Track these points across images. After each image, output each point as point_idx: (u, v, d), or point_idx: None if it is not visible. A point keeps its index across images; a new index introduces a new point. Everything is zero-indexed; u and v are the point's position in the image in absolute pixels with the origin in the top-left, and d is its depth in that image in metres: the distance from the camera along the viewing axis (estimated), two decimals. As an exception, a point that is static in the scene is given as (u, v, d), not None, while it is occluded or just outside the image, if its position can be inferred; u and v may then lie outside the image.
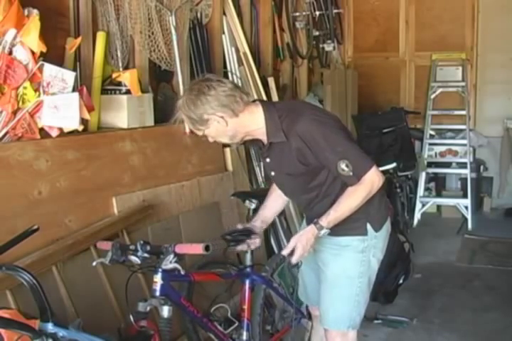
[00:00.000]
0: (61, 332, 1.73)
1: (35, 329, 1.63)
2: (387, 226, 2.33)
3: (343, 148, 2.08)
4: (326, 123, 2.11)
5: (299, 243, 2.15)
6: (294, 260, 2.16)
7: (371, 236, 2.25)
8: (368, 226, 2.24)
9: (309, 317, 2.99)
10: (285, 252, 2.17)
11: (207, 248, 2.12)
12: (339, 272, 2.27)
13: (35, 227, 1.87)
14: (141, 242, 2.18)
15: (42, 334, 1.66)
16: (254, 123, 2.14)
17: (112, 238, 2.60)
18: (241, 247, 2.45)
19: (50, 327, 1.72)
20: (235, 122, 2.11)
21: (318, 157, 2.10)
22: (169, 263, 2.16)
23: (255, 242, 2.45)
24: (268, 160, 2.26)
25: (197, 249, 2.15)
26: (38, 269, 2.18)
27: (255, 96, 3.95)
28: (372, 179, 2.12)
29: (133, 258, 2.15)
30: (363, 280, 2.27)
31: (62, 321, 1.82)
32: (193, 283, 2.81)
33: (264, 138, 2.18)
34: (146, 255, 2.16)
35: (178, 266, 2.17)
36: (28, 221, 2.10)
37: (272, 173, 2.31)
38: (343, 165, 2.06)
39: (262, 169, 3.85)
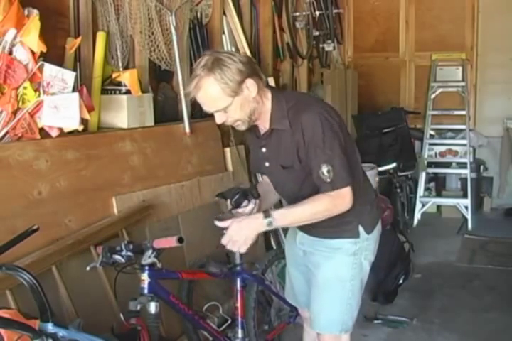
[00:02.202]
0: (61, 332, 1.73)
1: (35, 329, 1.63)
2: (378, 228, 2.29)
3: (333, 154, 1.98)
4: (330, 123, 2.01)
5: (235, 234, 1.95)
6: (235, 249, 1.99)
7: (363, 239, 2.21)
8: (360, 228, 2.20)
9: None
10: (223, 241, 1.99)
11: (180, 240, 2.17)
12: (331, 275, 2.22)
13: (35, 227, 1.87)
14: (125, 242, 2.23)
15: (42, 334, 1.66)
16: (263, 105, 2.06)
17: (111, 238, 2.60)
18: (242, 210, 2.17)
19: (50, 327, 1.71)
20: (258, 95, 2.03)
21: (308, 152, 2.01)
22: (148, 258, 2.22)
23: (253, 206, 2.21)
24: (264, 149, 2.16)
25: (171, 242, 2.20)
26: (38, 269, 2.18)
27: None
28: (345, 196, 2.01)
29: (117, 257, 2.19)
30: (354, 283, 2.22)
31: (62, 321, 1.83)
32: (193, 282, 2.82)
33: (265, 125, 2.10)
34: (129, 254, 2.20)
35: (156, 260, 2.21)
36: (28, 221, 2.09)
37: (266, 164, 2.19)
38: (324, 170, 1.96)
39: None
